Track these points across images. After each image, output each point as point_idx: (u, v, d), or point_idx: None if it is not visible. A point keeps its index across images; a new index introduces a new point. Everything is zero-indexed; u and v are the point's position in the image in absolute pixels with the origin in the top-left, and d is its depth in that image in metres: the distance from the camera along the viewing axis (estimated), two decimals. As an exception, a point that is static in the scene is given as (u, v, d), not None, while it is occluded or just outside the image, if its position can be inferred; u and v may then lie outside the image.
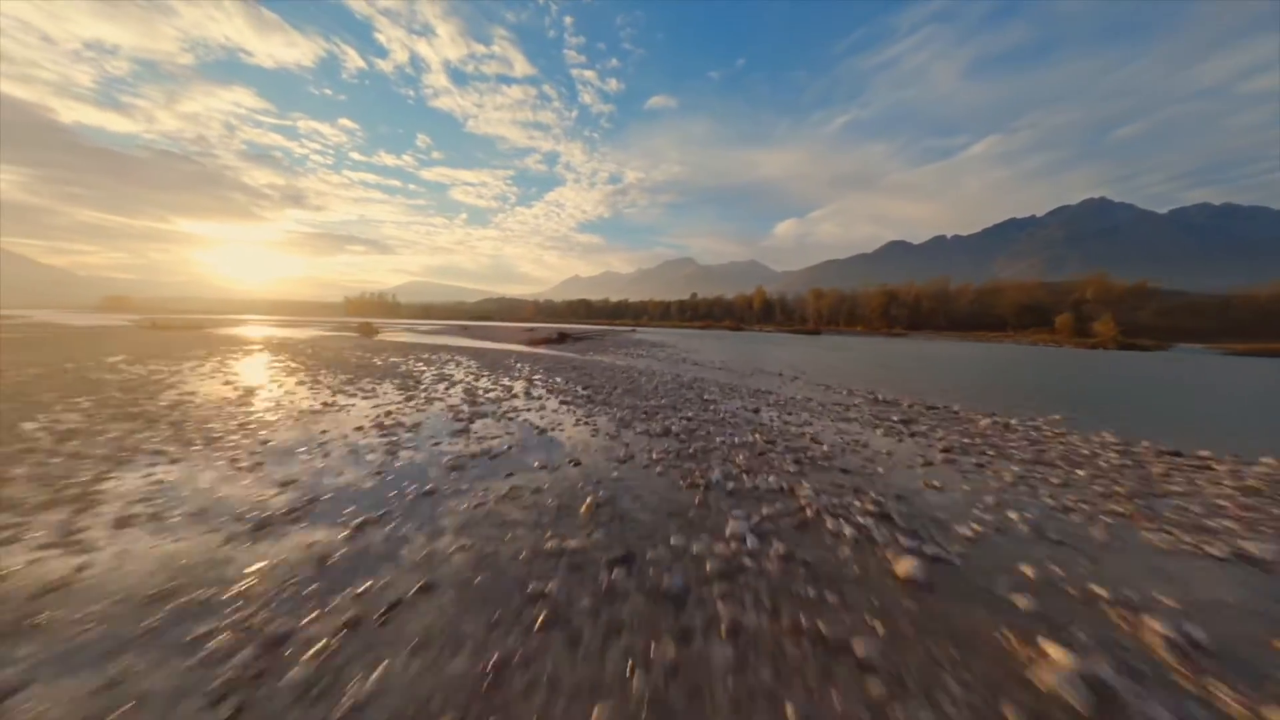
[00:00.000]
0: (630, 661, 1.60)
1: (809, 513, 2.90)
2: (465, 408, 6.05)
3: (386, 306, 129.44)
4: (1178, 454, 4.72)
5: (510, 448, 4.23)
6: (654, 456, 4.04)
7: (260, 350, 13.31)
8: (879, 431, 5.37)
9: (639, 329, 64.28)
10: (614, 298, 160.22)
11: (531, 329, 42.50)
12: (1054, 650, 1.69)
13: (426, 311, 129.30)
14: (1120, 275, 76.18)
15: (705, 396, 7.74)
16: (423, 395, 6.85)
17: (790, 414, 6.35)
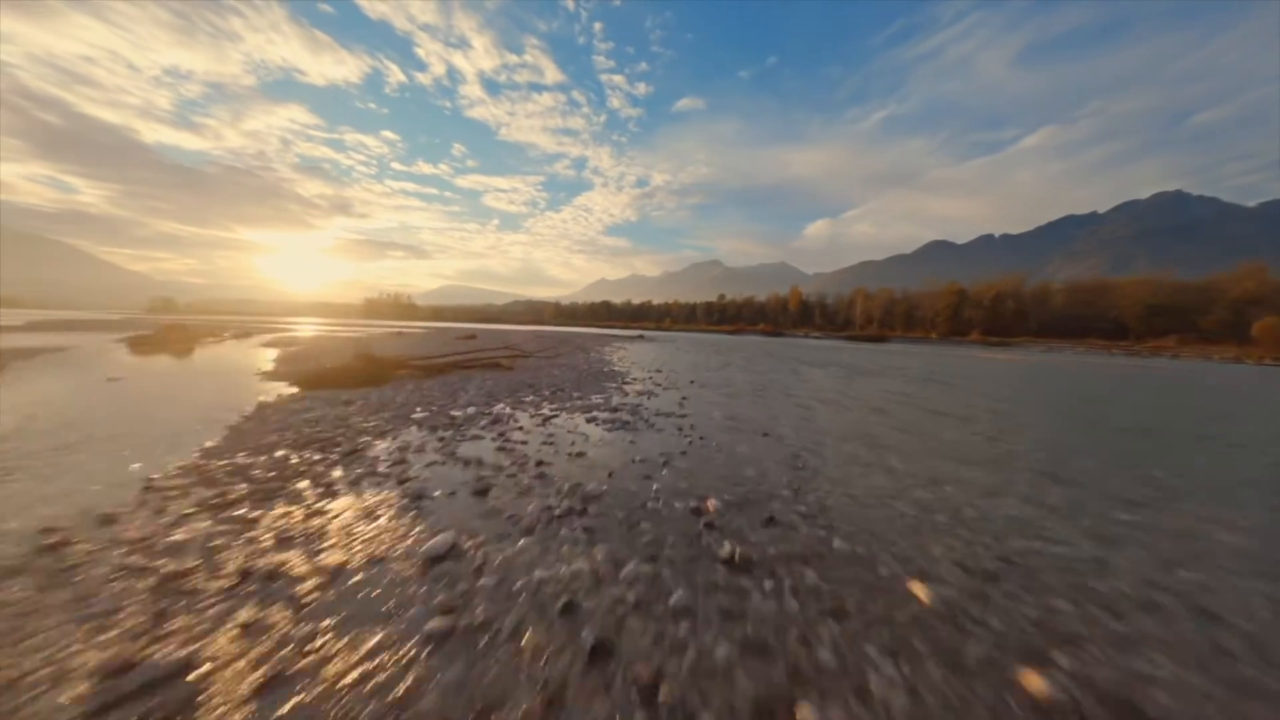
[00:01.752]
0: None
1: None
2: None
3: (402, 308, 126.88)
4: None
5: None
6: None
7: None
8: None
9: (658, 333, 54.96)
10: (640, 300, 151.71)
11: (491, 337, 33.12)
12: None
13: (437, 314, 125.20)
14: (1204, 275, 59.86)
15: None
16: None
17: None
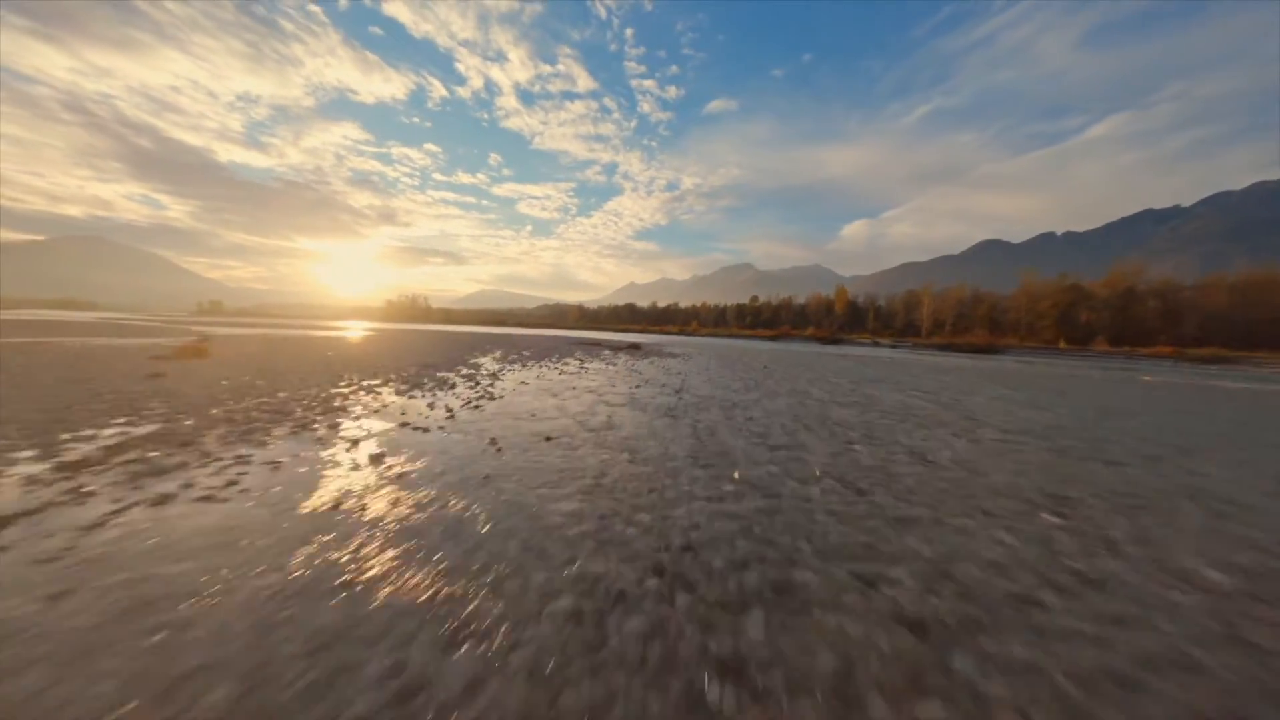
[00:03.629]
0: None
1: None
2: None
3: (420, 310, 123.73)
4: None
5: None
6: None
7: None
8: None
9: (680, 339, 45.15)
10: (669, 304, 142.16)
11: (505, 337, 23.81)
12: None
13: (448, 316, 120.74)
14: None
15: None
16: None
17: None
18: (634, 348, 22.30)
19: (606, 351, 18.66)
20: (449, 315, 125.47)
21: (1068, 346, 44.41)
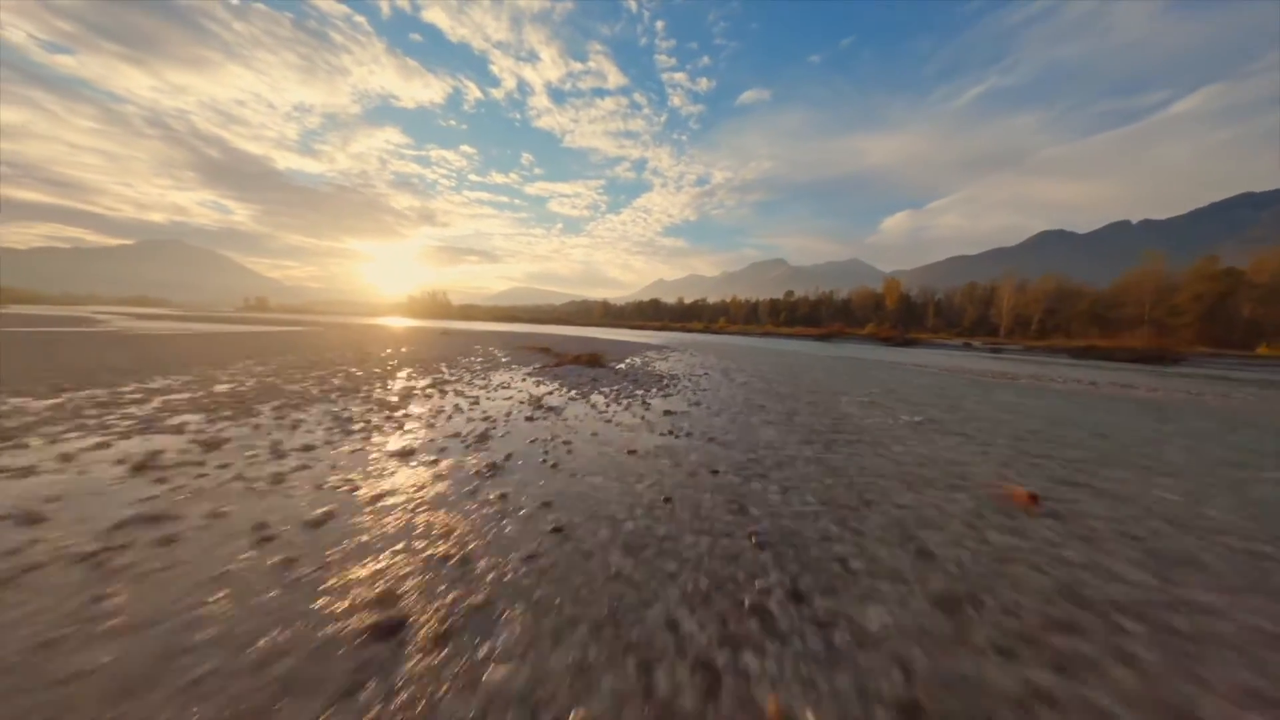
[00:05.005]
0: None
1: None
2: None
3: (441, 306, 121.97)
4: None
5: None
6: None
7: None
8: None
9: (701, 339, 37.51)
10: (697, 299, 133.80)
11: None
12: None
13: (468, 314, 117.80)
14: None
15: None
16: None
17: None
18: (593, 363, 15.11)
19: (570, 370, 11.56)
20: (467, 312, 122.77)
21: (1271, 352, 32.72)
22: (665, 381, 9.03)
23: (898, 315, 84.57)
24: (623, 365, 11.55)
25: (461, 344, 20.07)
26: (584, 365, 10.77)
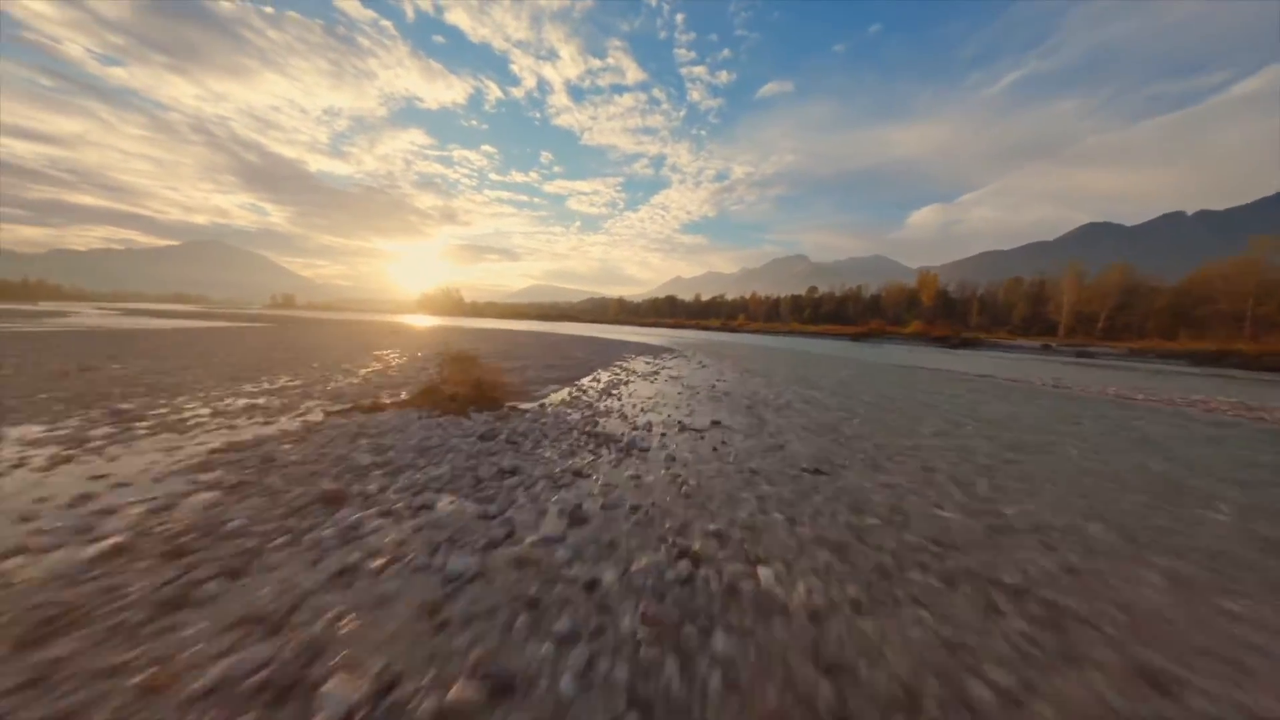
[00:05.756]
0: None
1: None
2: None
3: (453, 302, 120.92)
4: None
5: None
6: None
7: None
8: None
9: (712, 338, 33.21)
10: (716, 297, 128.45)
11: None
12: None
13: (477, 310, 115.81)
14: None
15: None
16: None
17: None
18: (486, 403, 11.00)
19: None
20: (478, 309, 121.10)
21: None
22: (593, 470, 4.72)
23: (935, 312, 77.48)
24: (551, 401, 6.88)
25: (364, 342, 16.41)
26: (454, 415, 5.44)
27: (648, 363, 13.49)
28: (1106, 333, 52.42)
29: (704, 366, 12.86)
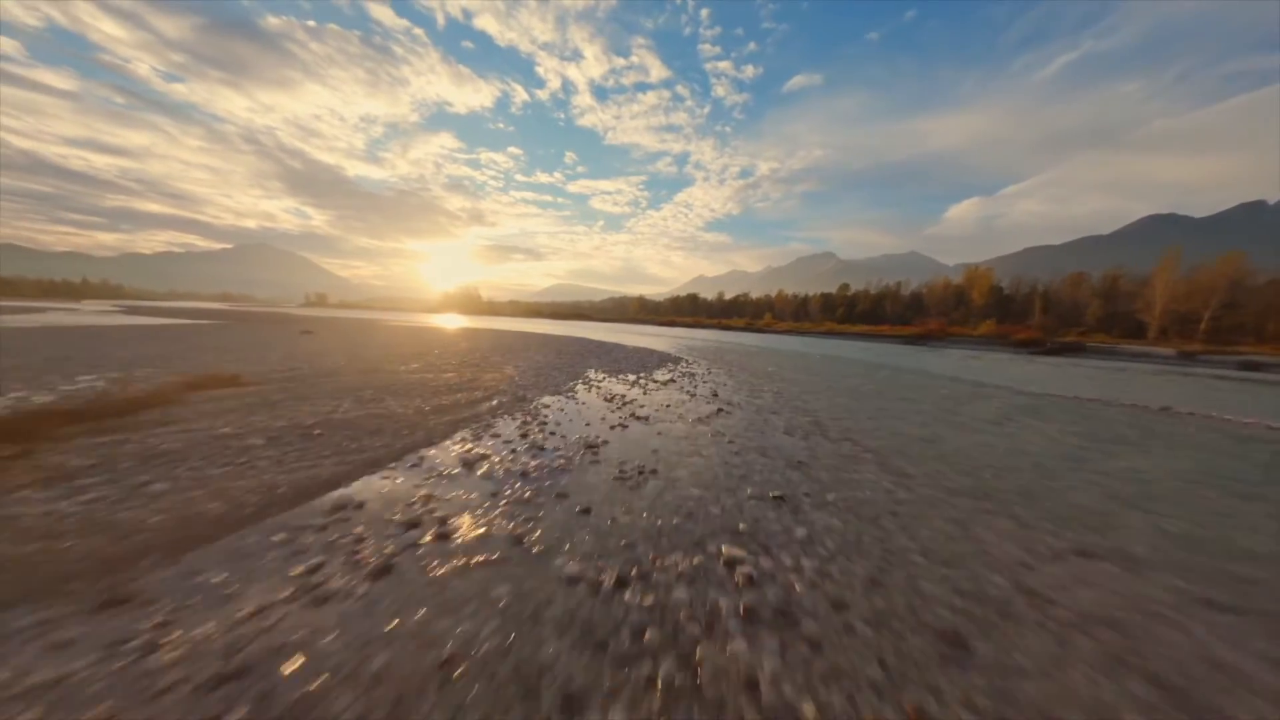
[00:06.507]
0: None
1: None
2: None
3: (472, 300, 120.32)
4: None
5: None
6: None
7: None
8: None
9: (734, 338, 28.63)
10: (740, 295, 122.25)
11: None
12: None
13: (492, 309, 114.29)
14: None
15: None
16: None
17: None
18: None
19: None
20: (492, 307, 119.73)
21: None
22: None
23: (989, 311, 69.19)
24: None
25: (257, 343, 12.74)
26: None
27: (628, 385, 9.21)
28: (1210, 334, 43.92)
29: (712, 401, 8.27)
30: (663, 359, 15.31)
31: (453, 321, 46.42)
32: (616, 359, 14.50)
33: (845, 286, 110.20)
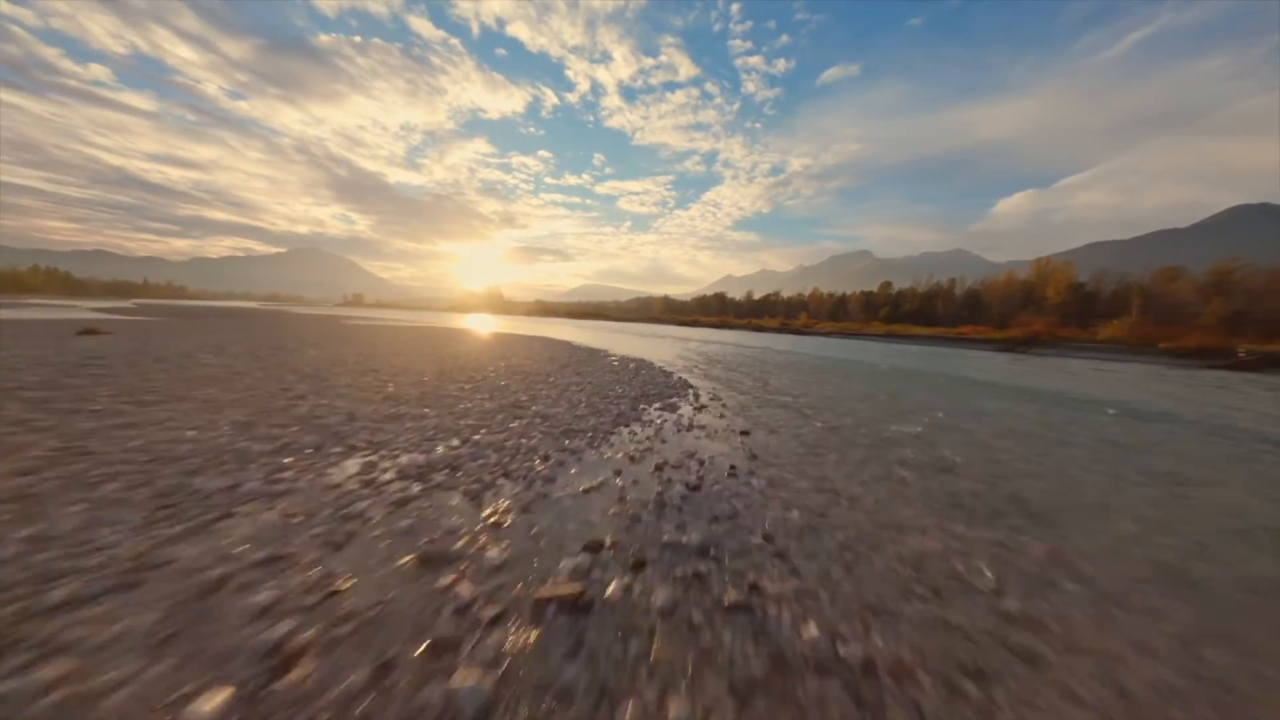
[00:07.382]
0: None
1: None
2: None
3: (495, 300, 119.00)
4: None
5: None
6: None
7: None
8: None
9: (782, 334, 22.97)
10: (770, 295, 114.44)
11: None
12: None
13: (514, 309, 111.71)
14: None
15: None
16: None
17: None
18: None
19: None
20: (514, 307, 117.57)
21: None
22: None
23: (1068, 311, 59.04)
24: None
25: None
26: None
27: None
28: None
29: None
30: (681, 385, 9.49)
31: (451, 321, 42.76)
32: (645, 391, 8.59)
33: (888, 284, 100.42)
